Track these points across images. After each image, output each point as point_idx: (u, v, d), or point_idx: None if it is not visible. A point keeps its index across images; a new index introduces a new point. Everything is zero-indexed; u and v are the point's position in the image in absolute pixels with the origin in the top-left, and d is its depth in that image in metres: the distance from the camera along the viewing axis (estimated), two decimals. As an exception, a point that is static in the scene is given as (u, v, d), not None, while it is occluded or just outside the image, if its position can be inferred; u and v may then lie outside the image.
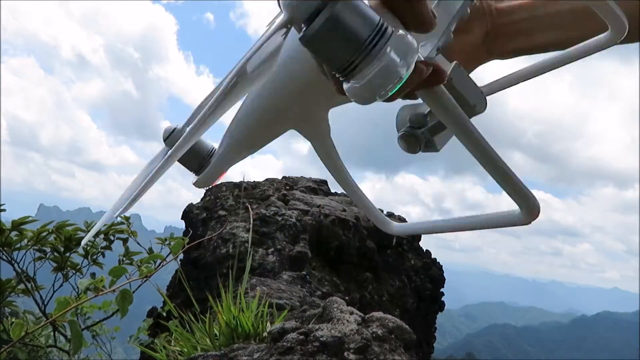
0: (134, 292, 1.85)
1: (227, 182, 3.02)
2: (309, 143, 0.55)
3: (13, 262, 2.01)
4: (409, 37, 0.31)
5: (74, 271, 2.14)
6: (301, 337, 1.09)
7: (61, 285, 2.15)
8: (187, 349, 1.43)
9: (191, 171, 0.57)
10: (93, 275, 2.11)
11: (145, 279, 1.88)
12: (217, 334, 1.39)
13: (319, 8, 0.30)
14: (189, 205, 2.89)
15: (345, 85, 0.33)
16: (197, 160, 0.56)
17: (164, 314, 1.93)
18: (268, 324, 1.30)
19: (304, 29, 0.31)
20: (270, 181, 3.08)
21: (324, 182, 3.26)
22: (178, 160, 0.56)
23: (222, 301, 1.43)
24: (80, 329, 1.61)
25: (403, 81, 0.31)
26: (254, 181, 3.04)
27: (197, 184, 0.56)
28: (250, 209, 2.44)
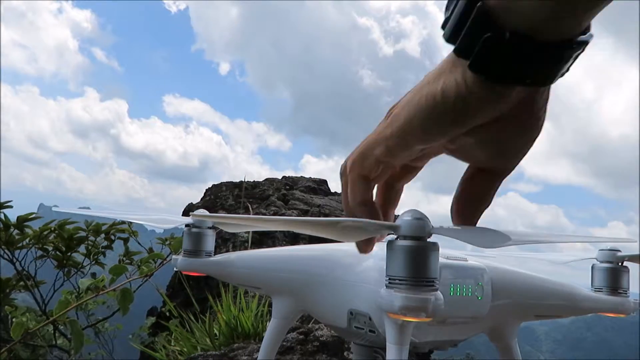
0: (134, 291, 1.86)
1: (227, 182, 3.03)
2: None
3: (15, 260, 2.01)
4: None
5: (75, 269, 2.15)
6: (301, 336, 1.09)
7: (62, 285, 2.15)
8: (187, 349, 1.44)
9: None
10: (94, 275, 2.12)
11: (145, 278, 1.89)
12: (217, 334, 1.40)
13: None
14: (188, 204, 2.90)
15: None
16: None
17: (167, 314, 1.94)
18: (268, 323, 1.30)
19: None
20: (270, 181, 3.09)
21: (324, 182, 3.27)
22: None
23: (222, 301, 1.44)
24: (81, 328, 1.62)
25: None
26: (253, 181, 3.04)
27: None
28: (250, 208, 2.44)
